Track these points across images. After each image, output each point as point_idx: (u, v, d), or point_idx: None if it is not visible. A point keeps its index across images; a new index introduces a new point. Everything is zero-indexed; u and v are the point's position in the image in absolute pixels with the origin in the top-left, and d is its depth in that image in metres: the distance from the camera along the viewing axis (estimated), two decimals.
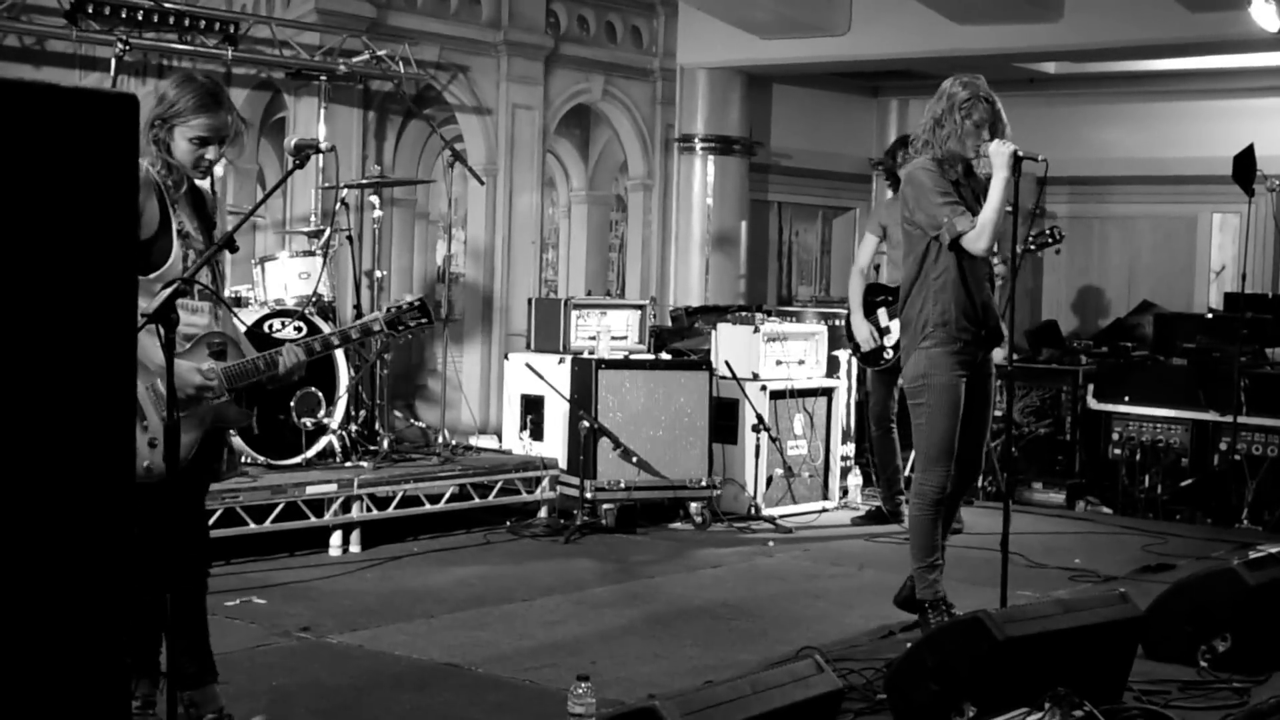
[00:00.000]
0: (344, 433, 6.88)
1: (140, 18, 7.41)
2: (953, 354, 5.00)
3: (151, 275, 3.62)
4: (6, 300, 2.15)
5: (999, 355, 5.39)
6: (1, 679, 2.17)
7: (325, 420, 6.68)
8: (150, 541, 3.67)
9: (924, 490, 5.10)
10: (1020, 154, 4.83)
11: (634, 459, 7.26)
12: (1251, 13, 8.25)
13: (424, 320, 4.07)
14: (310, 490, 6.36)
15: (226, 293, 6.73)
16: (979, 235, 4.89)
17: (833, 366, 8.12)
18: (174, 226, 3.70)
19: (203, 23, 7.69)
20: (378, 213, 7.53)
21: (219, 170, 3.83)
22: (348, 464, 6.77)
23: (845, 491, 8.11)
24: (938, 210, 4.92)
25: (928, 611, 5.12)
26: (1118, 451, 8.11)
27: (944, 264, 4.98)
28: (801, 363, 7.95)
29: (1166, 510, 7.90)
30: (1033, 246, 7.03)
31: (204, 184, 3.85)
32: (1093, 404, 8.23)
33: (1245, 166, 8.17)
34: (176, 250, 3.69)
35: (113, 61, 6.99)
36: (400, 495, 6.74)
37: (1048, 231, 7.05)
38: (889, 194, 7.43)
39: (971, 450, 5.19)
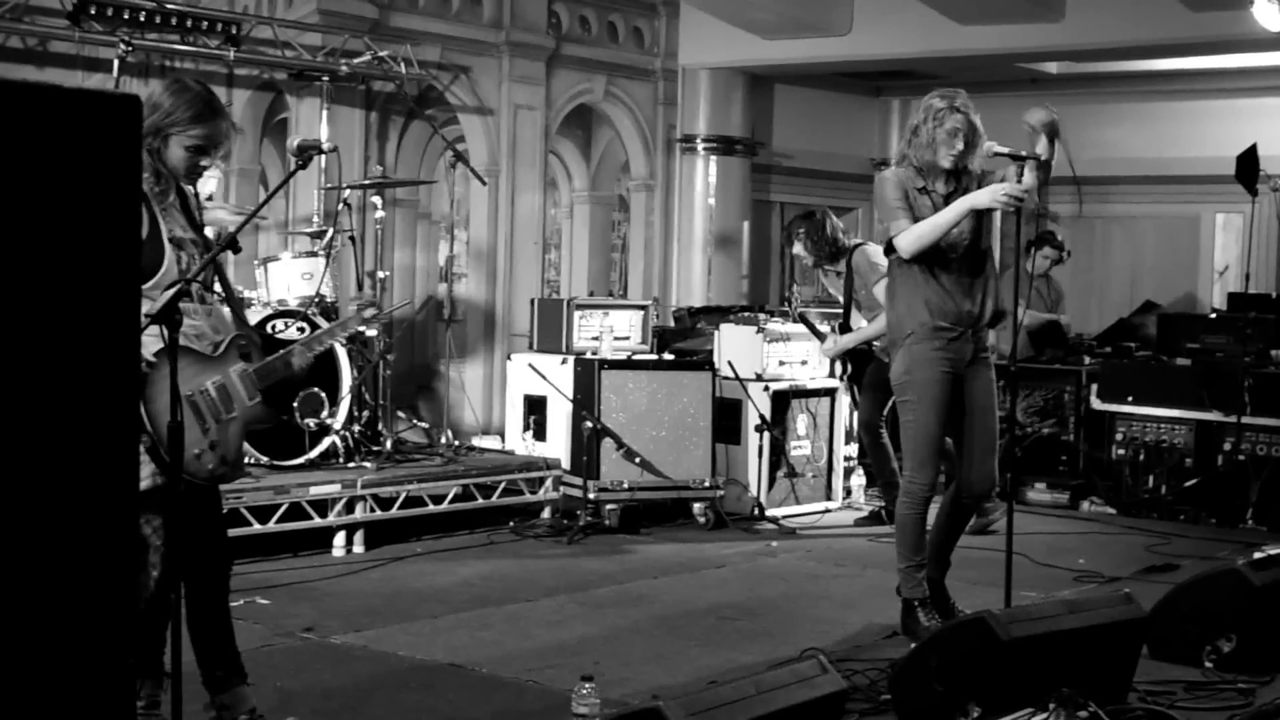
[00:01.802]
0: (347, 433, 6.87)
1: (142, 19, 7.41)
2: (934, 349, 5.01)
3: (147, 284, 3.61)
4: (9, 302, 2.15)
5: (993, 338, 5.32)
6: (7, 679, 2.17)
7: (328, 421, 6.68)
8: (183, 541, 3.69)
9: (913, 489, 5.09)
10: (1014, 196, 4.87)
11: (637, 459, 7.26)
12: (1254, 12, 8.24)
13: (376, 310, 4.49)
14: (314, 491, 6.36)
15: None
16: (905, 237, 4.94)
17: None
18: (164, 233, 3.70)
19: (205, 24, 7.70)
20: (380, 213, 7.52)
21: (212, 178, 3.87)
22: (351, 465, 6.76)
23: (848, 492, 8.10)
24: (890, 213, 5.00)
25: (916, 610, 5.11)
26: (1121, 452, 8.09)
27: (913, 264, 5.01)
28: (804, 363, 7.95)
29: (1171, 510, 7.88)
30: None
31: (187, 187, 3.86)
32: (1096, 404, 8.22)
33: (1248, 166, 8.17)
34: (169, 256, 3.69)
35: (115, 62, 6.99)
36: (404, 496, 6.74)
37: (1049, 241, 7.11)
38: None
39: (981, 457, 5.13)
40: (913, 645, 4.32)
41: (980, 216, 5.03)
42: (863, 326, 7.26)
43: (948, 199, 5.01)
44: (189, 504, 3.71)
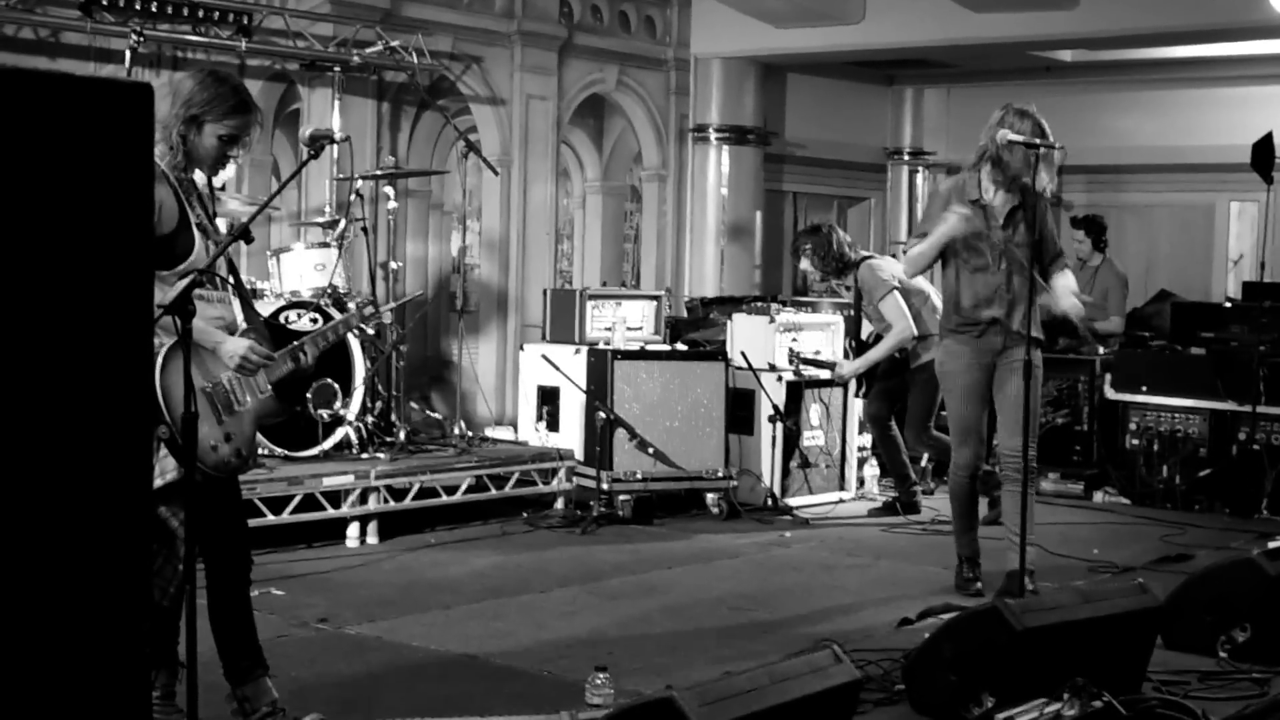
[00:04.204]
0: (360, 424, 6.88)
1: (154, 9, 7.42)
2: (964, 343, 5.51)
3: (178, 268, 3.63)
4: (21, 290, 2.15)
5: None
6: (25, 670, 2.17)
7: (342, 412, 6.69)
8: (202, 533, 3.71)
9: (955, 468, 5.66)
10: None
11: (650, 450, 7.25)
12: None
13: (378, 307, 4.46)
14: (327, 482, 6.37)
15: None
16: (905, 262, 5.70)
17: (848, 358, 8.08)
18: (192, 220, 3.72)
19: (217, 14, 7.71)
20: (392, 204, 7.52)
21: (231, 168, 3.88)
22: (364, 455, 6.77)
23: (861, 482, 8.09)
24: (921, 226, 5.63)
25: (963, 566, 5.71)
26: (1135, 441, 8.06)
27: (950, 266, 5.53)
28: (818, 353, 7.93)
29: (1185, 500, 7.86)
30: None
31: (201, 177, 3.87)
32: (1110, 394, 8.19)
33: (1264, 154, 8.11)
34: (199, 244, 3.71)
35: (127, 53, 7.00)
36: (417, 487, 6.74)
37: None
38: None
39: (1007, 430, 5.47)
40: (926, 635, 4.31)
41: (1011, 222, 5.38)
42: (873, 342, 7.31)
43: (1009, 212, 5.39)
44: (209, 496, 3.72)
